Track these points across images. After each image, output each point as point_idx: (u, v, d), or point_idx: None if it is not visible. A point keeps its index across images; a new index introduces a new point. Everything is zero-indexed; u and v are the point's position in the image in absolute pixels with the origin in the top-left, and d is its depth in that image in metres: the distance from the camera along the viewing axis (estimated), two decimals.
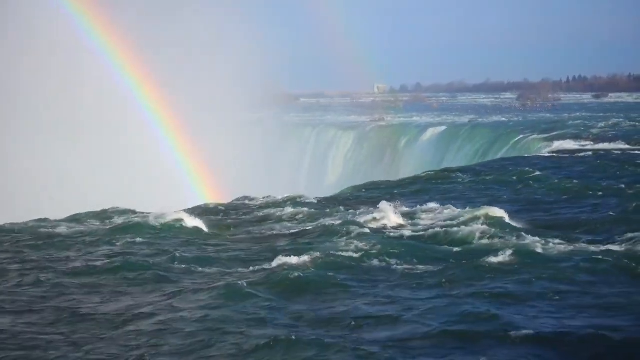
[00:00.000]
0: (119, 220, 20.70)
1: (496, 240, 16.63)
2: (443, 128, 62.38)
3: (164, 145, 54.18)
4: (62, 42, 55.08)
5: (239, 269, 14.82)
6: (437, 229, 18.19)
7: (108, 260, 15.47)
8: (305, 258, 15.21)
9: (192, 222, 19.80)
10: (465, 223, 18.30)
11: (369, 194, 26.09)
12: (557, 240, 16.50)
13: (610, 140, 43.53)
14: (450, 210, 19.93)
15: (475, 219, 18.58)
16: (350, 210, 20.95)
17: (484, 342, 10.54)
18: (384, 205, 20.11)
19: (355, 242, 16.65)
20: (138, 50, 55.68)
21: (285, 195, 24.69)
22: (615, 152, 37.47)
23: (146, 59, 55.59)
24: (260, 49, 65.47)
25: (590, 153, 37.29)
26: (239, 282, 13.65)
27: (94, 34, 54.88)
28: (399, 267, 14.93)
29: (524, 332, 10.85)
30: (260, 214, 21.72)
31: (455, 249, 16.37)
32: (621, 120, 62.88)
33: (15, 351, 10.63)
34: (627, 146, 39.94)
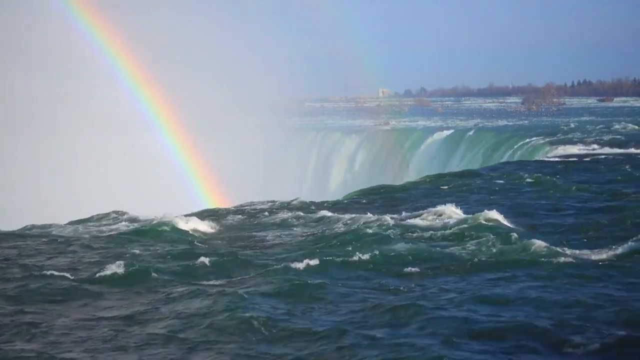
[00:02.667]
0: (122, 224, 20.66)
1: (501, 244, 16.53)
2: (448, 132, 62.26)
3: (168, 149, 54.27)
4: (68, 47, 55.32)
5: (242, 274, 14.74)
6: (442, 233, 18.12)
7: (112, 265, 15.37)
8: (308, 263, 15.15)
9: (196, 226, 19.75)
10: (470, 227, 18.22)
11: (373, 198, 26.00)
12: (562, 245, 16.39)
13: (616, 144, 43.31)
14: (455, 214, 19.84)
15: (479, 223, 18.49)
16: (354, 215, 20.85)
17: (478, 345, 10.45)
18: (387, 209, 20.02)
19: (359, 246, 16.58)
20: (143, 54, 55.85)
21: (289, 200, 24.62)
22: (622, 156, 37.28)
23: (151, 62, 55.78)
24: (264, 54, 65.65)
25: (596, 157, 37.11)
26: (242, 287, 13.63)
27: (100, 38, 55.06)
28: (402, 271, 14.86)
29: (519, 336, 10.81)
30: (264, 218, 21.65)
31: (459, 253, 16.29)
32: (627, 124, 62.67)
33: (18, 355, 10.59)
34: (633, 150, 39.75)
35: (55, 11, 55.64)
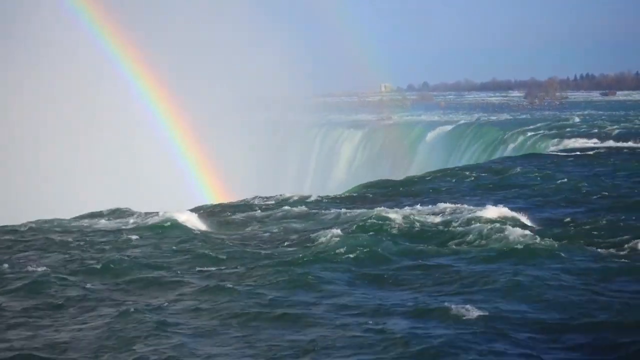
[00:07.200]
0: (125, 220, 20.67)
1: (503, 239, 16.47)
2: (450, 126, 62.16)
3: (171, 146, 54.32)
4: (74, 46, 55.42)
5: (243, 269, 14.72)
6: (444, 228, 18.06)
7: (114, 261, 15.38)
8: (308, 258, 15.14)
9: (197, 222, 19.74)
10: (472, 221, 18.16)
11: (376, 193, 25.96)
12: (563, 240, 16.30)
13: (619, 138, 43.21)
14: (457, 209, 19.79)
15: (482, 217, 18.43)
16: (356, 209, 20.81)
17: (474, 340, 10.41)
18: (389, 204, 19.97)
19: (360, 241, 16.54)
20: (147, 52, 55.87)
21: (292, 194, 24.59)
22: (625, 150, 37.23)
23: (154, 60, 55.77)
24: (267, 50, 65.58)
25: (599, 151, 37.06)
26: (243, 281, 13.66)
27: (106, 38, 55.14)
28: (403, 266, 14.82)
29: (514, 327, 10.80)
30: (266, 213, 21.61)
31: (462, 248, 16.29)
32: (630, 118, 62.52)
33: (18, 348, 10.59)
34: (637, 144, 39.63)
35: (65, 13, 55.80)
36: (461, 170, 31.17)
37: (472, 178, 28.30)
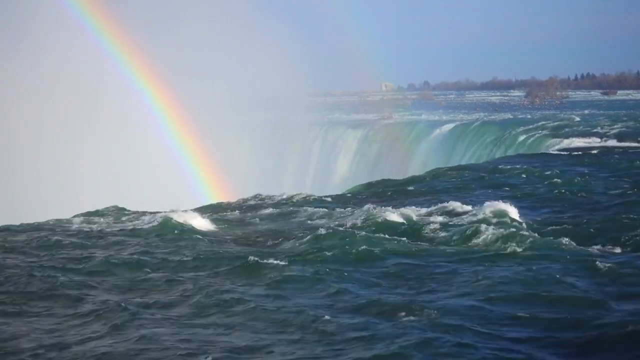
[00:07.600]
0: (123, 220, 20.64)
1: (503, 238, 16.46)
2: (451, 125, 62.09)
3: (171, 146, 54.32)
4: (69, 45, 55.40)
5: (244, 267, 14.70)
6: (444, 226, 18.04)
7: (111, 260, 15.37)
8: (308, 256, 15.11)
9: (196, 221, 19.71)
10: (473, 220, 18.16)
11: (377, 192, 25.96)
12: (539, 240, 16.24)
13: (620, 137, 43.20)
14: (458, 208, 19.78)
15: (482, 216, 18.42)
16: (357, 208, 20.79)
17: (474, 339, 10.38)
18: (391, 202, 19.93)
19: (361, 239, 16.52)
20: (147, 52, 55.87)
21: (292, 194, 24.57)
22: (626, 149, 37.20)
23: (154, 59, 55.75)
24: (267, 50, 65.61)
25: (600, 151, 37.06)
26: (244, 280, 13.65)
27: (103, 37, 55.12)
28: (373, 264, 14.85)
29: (518, 330, 10.79)
30: (266, 213, 21.60)
31: (462, 246, 16.28)
32: (631, 117, 62.46)
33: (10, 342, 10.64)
34: (637, 144, 39.62)
35: (65, 12, 55.80)
36: (462, 170, 31.19)
37: (473, 177, 28.32)
